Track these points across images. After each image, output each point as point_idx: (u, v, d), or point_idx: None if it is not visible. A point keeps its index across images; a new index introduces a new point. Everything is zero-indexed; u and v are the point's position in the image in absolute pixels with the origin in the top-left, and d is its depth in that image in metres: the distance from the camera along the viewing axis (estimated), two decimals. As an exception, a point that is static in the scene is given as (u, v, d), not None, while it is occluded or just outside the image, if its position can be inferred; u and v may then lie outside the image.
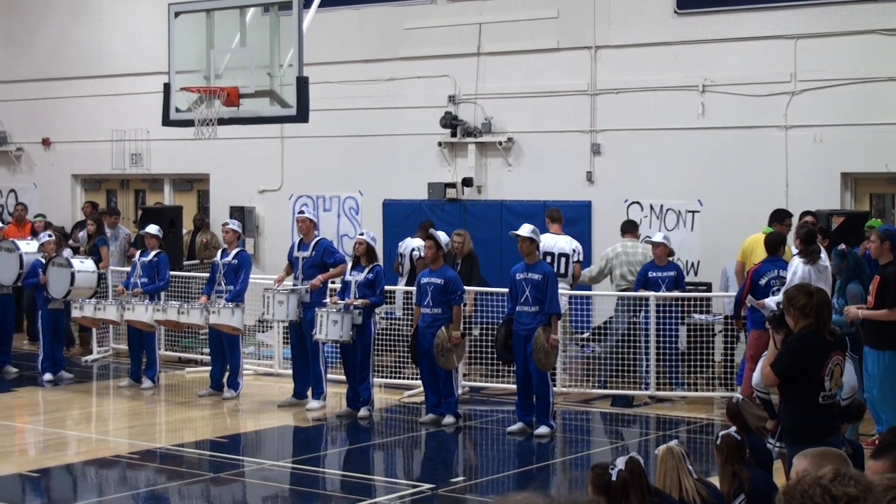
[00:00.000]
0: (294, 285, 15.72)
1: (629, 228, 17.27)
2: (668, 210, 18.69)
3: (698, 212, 18.47)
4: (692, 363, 15.75)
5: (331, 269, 15.66)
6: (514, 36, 19.90)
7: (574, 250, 16.96)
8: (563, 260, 16.86)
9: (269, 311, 15.64)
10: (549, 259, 16.74)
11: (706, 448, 13.25)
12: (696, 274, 18.13)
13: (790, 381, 8.36)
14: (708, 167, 18.39)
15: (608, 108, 19.23)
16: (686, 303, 15.91)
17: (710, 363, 15.86)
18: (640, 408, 15.82)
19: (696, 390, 15.82)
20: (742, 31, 18.13)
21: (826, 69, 17.53)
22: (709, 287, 17.05)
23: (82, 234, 21.18)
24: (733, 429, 8.30)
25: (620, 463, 6.88)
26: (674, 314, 15.83)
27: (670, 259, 16.40)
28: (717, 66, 18.34)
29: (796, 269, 13.80)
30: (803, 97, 17.72)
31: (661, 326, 15.82)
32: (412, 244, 17.82)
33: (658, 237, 16.39)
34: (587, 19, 19.31)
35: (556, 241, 16.85)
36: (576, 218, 19.16)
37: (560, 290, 15.55)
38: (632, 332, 16.25)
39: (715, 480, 8.31)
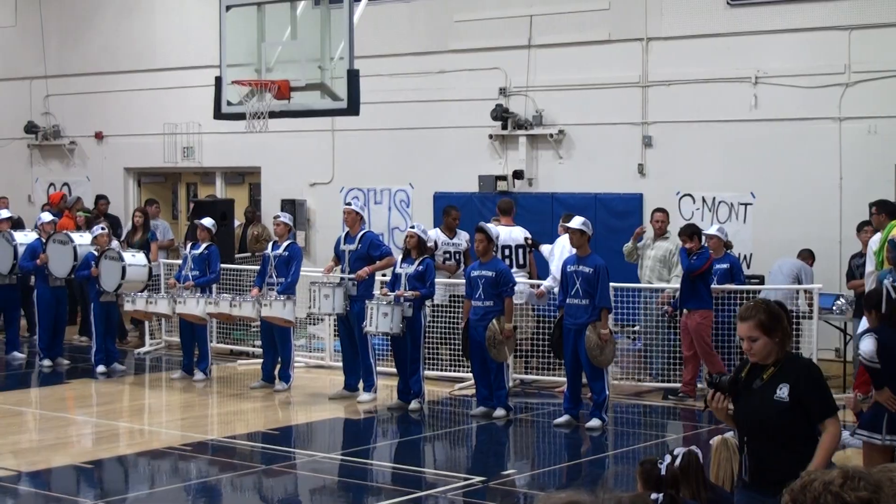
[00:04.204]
0: (341, 278, 15.75)
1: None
2: (720, 202, 18.58)
3: (751, 204, 18.35)
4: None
5: (377, 262, 15.67)
6: (564, 28, 19.84)
7: (527, 240, 16.98)
8: (519, 251, 16.85)
9: (314, 304, 15.69)
10: (506, 252, 16.71)
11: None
12: (748, 266, 17.99)
13: None
14: (761, 159, 18.26)
15: (660, 101, 19.13)
16: (740, 295, 15.80)
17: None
18: (691, 401, 15.72)
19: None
20: (795, 23, 17.98)
21: (880, 60, 17.36)
22: (761, 280, 16.93)
23: (129, 228, 21.29)
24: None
25: (679, 454, 6.82)
26: (727, 307, 15.70)
27: (727, 252, 16.23)
28: (770, 58, 18.20)
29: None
30: (857, 88, 17.56)
31: (716, 319, 15.70)
32: None
33: (712, 230, 16.27)
34: (638, 11, 19.21)
35: (509, 233, 16.84)
36: (627, 211, 19.11)
37: (520, 279, 15.90)
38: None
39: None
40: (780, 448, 6.68)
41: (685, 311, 15.42)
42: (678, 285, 15.83)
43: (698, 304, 15.32)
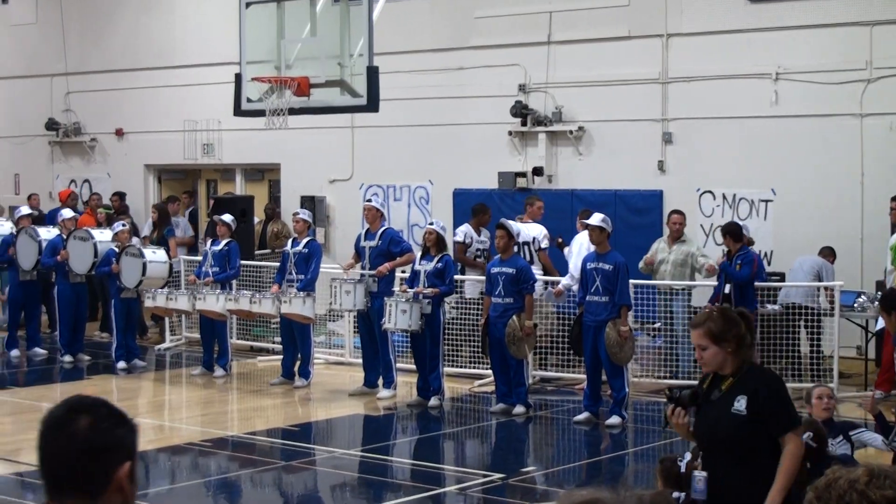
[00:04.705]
0: (361, 275, 15.76)
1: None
2: (740, 199, 18.53)
3: (771, 201, 18.29)
4: (765, 354, 15.57)
5: (398, 258, 15.68)
6: (584, 24, 19.80)
7: (535, 238, 16.86)
8: (525, 248, 16.75)
9: (336, 300, 15.71)
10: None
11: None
12: (769, 264, 17.94)
13: None
14: (781, 156, 18.20)
15: (680, 97, 19.09)
16: (761, 292, 15.75)
17: (787, 354, 15.72)
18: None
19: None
20: (816, 18, 17.91)
21: (902, 56, 17.30)
22: (782, 277, 16.85)
23: (148, 224, 21.32)
24: (808, 435, 7.72)
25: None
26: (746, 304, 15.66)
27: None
28: (791, 54, 18.13)
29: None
30: (879, 85, 17.48)
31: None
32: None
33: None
34: (658, 7, 19.16)
35: (520, 230, 16.79)
36: (647, 207, 19.06)
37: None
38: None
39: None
40: (737, 463, 6.32)
41: None
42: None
43: (746, 306, 15.22)
